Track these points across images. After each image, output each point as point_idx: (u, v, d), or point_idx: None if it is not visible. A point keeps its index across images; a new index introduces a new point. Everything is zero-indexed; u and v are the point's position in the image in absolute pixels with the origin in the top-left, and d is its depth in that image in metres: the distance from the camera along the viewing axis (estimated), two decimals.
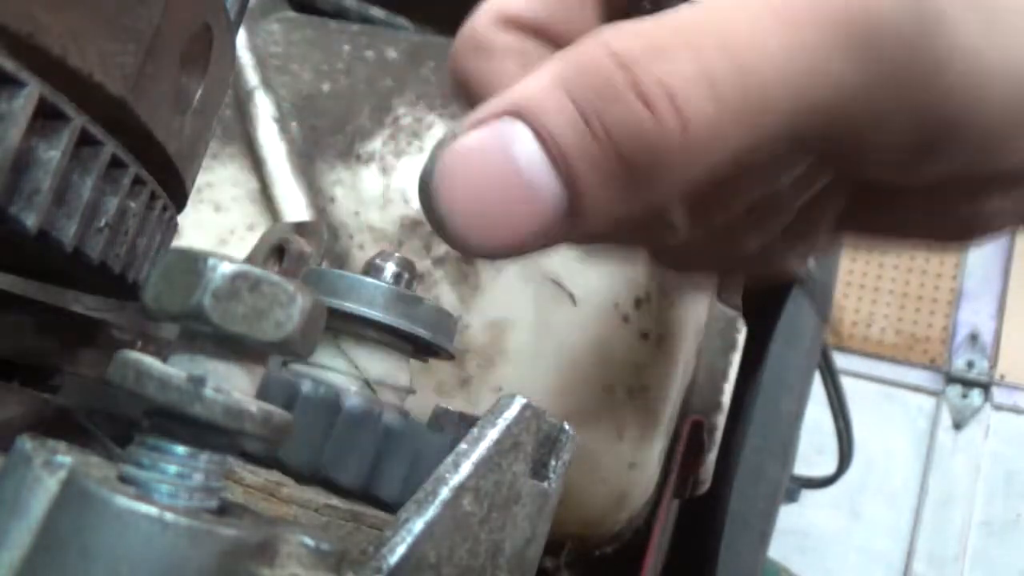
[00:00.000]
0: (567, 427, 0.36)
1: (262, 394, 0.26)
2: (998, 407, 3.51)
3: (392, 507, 0.41)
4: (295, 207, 0.78)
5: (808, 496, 3.12)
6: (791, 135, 0.31)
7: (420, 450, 0.42)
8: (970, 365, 3.57)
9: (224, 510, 0.27)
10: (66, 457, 0.24)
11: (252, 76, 0.85)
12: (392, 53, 0.88)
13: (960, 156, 0.34)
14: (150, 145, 0.34)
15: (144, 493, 0.24)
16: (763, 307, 1.12)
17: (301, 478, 0.41)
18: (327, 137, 0.83)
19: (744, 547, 1.13)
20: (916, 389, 3.61)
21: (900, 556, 3.44)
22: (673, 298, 0.75)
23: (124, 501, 0.22)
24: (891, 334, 3.70)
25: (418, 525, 0.28)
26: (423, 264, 0.75)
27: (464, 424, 0.45)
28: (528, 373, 0.74)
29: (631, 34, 0.30)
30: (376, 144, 0.81)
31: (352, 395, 0.43)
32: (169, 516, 0.22)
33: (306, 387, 0.41)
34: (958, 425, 3.53)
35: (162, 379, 0.24)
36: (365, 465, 0.42)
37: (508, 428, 0.32)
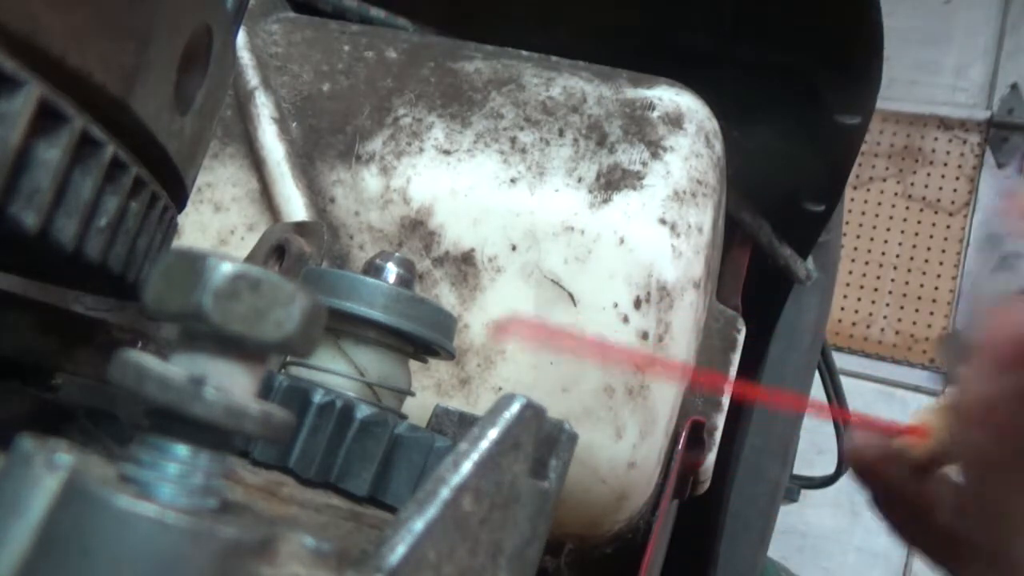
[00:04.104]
0: (567, 427, 0.36)
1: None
2: None
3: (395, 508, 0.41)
4: (295, 207, 0.78)
5: (808, 496, 3.12)
6: None
7: (429, 460, 0.42)
8: None
9: (224, 510, 0.27)
10: (66, 457, 0.24)
11: (252, 76, 0.85)
12: (392, 53, 0.88)
13: None
14: (150, 145, 0.34)
15: (144, 493, 0.24)
16: (763, 307, 1.12)
17: (311, 484, 0.41)
18: (327, 137, 0.83)
19: (744, 547, 1.13)
20: (916, 389, 3.61)
21: (900, 556, 3.43)
22: (673, 298, 0.75)
23: (124, 501, 0.22)
24: (891, 334, 3.70)
25: (418, 525, 0.28)
26: (423, 264, 0.75)
27: (464, 424, 0.45)
28: (528, 373, 0.74)
29: None
30: (376, 144, 0.81)
31: (363, 406, 0.43)
32: (169, 516, 0.22)
33: (318, 396, 0.41)
34: None
35: (162, 379, 0.24)
36: (375, 473, 0.41)
37: (508, 428, 0.32)
